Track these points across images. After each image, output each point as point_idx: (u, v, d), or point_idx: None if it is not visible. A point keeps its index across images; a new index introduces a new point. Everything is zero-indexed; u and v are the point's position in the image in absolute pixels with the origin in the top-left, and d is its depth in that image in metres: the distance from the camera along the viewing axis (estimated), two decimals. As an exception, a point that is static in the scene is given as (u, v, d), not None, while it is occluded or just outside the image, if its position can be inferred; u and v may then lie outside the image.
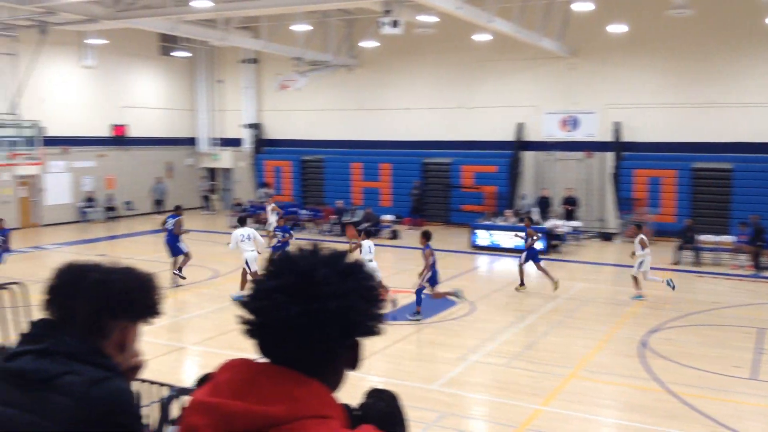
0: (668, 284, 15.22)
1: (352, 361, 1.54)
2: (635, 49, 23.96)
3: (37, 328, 1.86)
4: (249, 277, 14.58)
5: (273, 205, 21.64)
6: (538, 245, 16.75)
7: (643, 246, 14.99)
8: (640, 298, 15.05)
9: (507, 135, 26.20)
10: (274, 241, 17.66)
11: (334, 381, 1.51)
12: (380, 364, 10.44)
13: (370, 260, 13.68)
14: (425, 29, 22.11)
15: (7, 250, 16.13)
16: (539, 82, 25.84)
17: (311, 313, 1.42)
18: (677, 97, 23.83)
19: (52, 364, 1.74)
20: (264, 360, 1.49)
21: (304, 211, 26.52)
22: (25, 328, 5.81)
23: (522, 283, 15.87)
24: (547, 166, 25.89)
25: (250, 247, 14.82)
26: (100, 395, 1.73)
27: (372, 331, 1.51)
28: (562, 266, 19.15)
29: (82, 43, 26.37)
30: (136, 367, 1.97)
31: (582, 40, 24.58)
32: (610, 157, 24.81)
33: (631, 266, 15.46)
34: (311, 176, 29.91)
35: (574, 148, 25.12)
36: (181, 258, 16.19)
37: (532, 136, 26.01)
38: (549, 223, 21.87)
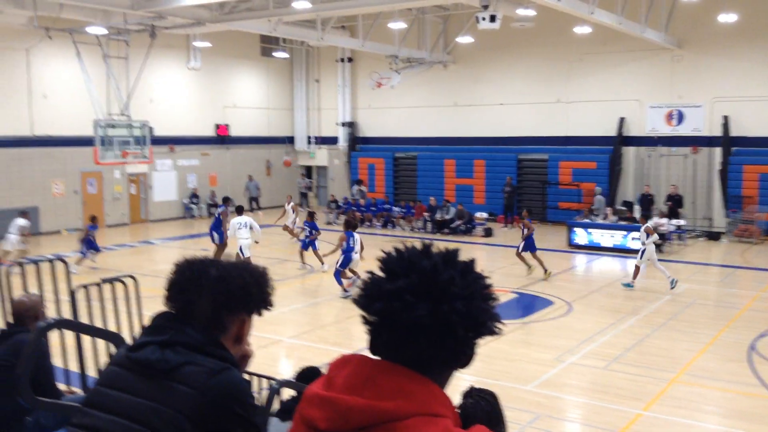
0: (671, 284, 15.15)
1: (466, 361, 1.54)
2: (745, 39, 22.73)
3: (159, 320, 1.96)
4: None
5: (293, 203, 22.42)
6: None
7: (649, 234, 15.28)
8: (630, 286, 15.35)
9: (607, 130, 25.44)
10: (303, 235, 18.25)
11: (444, 379, 1.52)
12: (474, 362, 10.38)
13: (355, 252, 14.89)
14: (522, 23, 21.75)
15: (91, 244, 17.64)
16: (642, 75, 24.93)
17: (441, 314, 1.42)
18: (792, 89, 22.46)
19: (174, 355, 1.84)
20: (377, 357, 1.51)
21: (396, 208, 26.66)
22: (137, 319, 6.11)
23: (529, 267, 16.88)
24: (650, 162, 24.98)
25: (246, 235, 16.31)
26: (219, 385, 1.82)
27: (493, 331, 1.51)
28: (666, 266, 18.42)
29: (188, 46, 27.57)
30: (247, 357, 2.06)
31: (688, 30, 23.55)
32: (717, 152, 23.68)
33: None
34: (404, 173, 30.05)
35: (680, 143, 24.14)
36: (216, 248, 17.34)
37: (634, 131, 25.16)
38: (652, 222, 21.06)
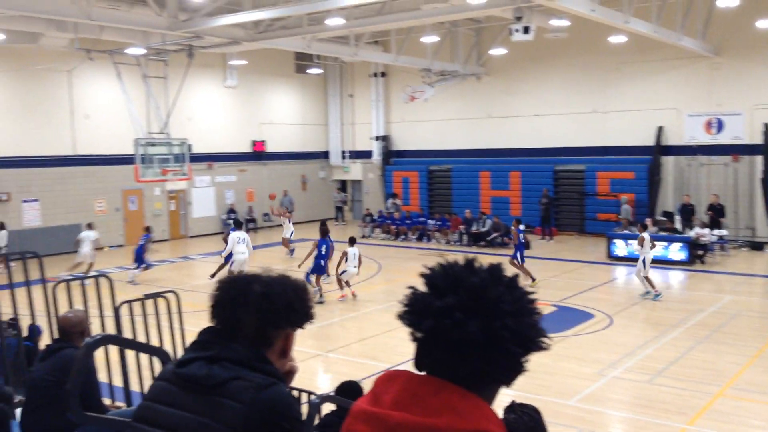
0: (654, 297, 15.37)
1: (513, 377, 1.51)
2: (787, 44, 22.30)
3: (206, 335, 1.99)
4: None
5: (288, 214, 22.62)
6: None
7: (641, 244, 15.47)
8: (658, 296, 15.29)
9: (645, 139, 25.10)
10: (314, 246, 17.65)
11: (491, 395, 1.51)
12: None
13: (355, 266, 15.48)
14: (556, 34, 21.62)
15: (141, 253, 18.47)
16: (680, 84, 24.58)
17: (492, 331, 1.41)
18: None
19: (221, 370, 1.86)
20: (422, 373, 1.50)
21: (431, 221, 26.59)
22: (179, 333, 6.19)
23: (533, 279, 17.18)
24: (689, 172, 24.57)
25: (242, 250, 16.26)
26: (267, 400, 1.83)
27: (542, 347, 1.49)
28: (708, 278, 18.09)
29: (224, 65, 28.02)
30: (293, 372, 2.08)
31: (726, 37, 23.18)
32: (759, 160, 23.16)
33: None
34: (439, 186, 30.01)
35: (720, 152, 23.68)
36: (226, 266, 17.23)
37: (672, 140, 24.77)
38: (693, 232, 20.69)
